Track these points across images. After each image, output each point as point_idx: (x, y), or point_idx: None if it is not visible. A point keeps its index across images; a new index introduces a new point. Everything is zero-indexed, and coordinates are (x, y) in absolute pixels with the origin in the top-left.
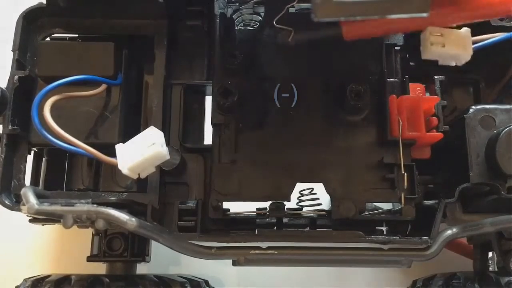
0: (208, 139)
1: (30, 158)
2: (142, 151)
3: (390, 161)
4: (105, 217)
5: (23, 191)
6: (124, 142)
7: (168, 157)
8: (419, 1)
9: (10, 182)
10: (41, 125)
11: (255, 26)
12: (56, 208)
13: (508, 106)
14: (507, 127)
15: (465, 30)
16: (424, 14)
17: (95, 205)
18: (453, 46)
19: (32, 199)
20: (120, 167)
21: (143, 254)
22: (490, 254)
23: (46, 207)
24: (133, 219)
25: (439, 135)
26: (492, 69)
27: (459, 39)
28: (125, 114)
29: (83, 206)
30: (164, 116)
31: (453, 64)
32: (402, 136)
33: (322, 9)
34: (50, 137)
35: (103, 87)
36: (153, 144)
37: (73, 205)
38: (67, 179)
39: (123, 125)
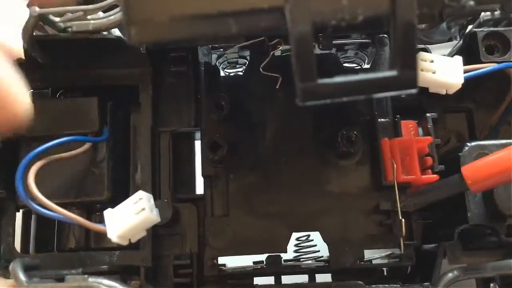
0: (200, 187)
1: (19, 216)
2: (131, 217)
3: (386, 207)
4: None
5: (11, 267)
6: (113, 196)
7: (158, 220)
8: (406, 79)
9: None
10: (26, 195)
11: (239, 67)
12: (47, 286)
13: (503, 141)
14: None
15: (457, 58)
16: (413, 90)
17: (86, 275)
18: (444, 73)
19: (21, 276)
20: (109, 235)
21: None
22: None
23: (36, 284)
24: None
25: (435, 177)
26: (486, 97)
27: (450, 67)
28: (113, 168)
29: (74, 282)
30: (153, 166)
31: (444, 92)
32: (397, 180)
33: (307, 96)
34: (36, 206)
35: (88, 144)
36: (143, 209)
37: (63, 277)
38: (58, 237)
39: (111, 180)
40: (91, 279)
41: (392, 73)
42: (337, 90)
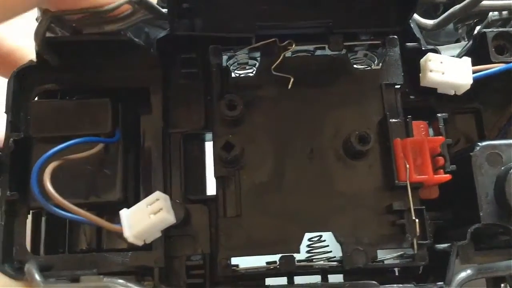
0: (211, 188)
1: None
2: (148, 218)
3: (399, 207)
4: None
5: (26, 268)
6: (125, 198)
7: (174, 221)
8: None
9: (11, 249)
10: (42, 196)
11: (249, 69)
12: (62, 286)
13: None
14: None
15: (465, 59)
16: None
17: (101, 276)
18: (453, 74)
19: (37, 277)
20: (125, 235)
21: None
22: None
23: (52, 284)
24: None
25: (447, 177)
26: (494, 97)
27: (459, 68)
28: (125, 169)
29: (90, 282)
30: (164, 168)
31: (452, 93)
32: (409, 180)
33: None
34: (52, 207)
35: (100, 145)
36: (160, 210)
37: (78, 278)
38: (69, 239)
39: (123, 181)
40: (106, 279)
41: None
42: None
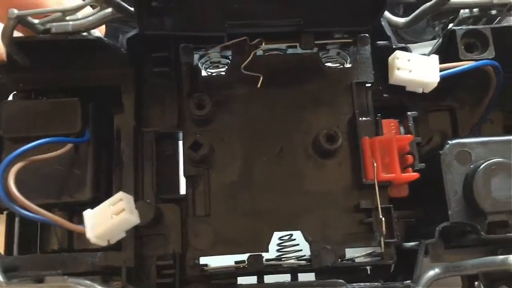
0: (184, 187)
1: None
2: (110, 218)
3: (367, 205)
4: None
5: None
6: (96, 197)
7: (138, 222)
8: None
9: None
10: (7, 197)
11: (222, 67)
12: (25, 286)
13: (484, 139)
14: (482, 164)
15: (433, 57)
16: None
17: (66, 276)
18: (420, 72)
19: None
20: (88, 235)
21: None
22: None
23: (15, 285)
24: None
25: (415, 175)
26: (468, 95)
27: (426, 65)
28: (96, 169)
29: (53, 282)
30: (136, 167)
31: (420, 90)
32: (377, 179)
33: None
34: (17, 208)
35: (69, 145)
36: (123, 210)
37: (42, 278)
38: (41, 239)
39: (94, 181)
40: (71, 280)
41: None
42: None
